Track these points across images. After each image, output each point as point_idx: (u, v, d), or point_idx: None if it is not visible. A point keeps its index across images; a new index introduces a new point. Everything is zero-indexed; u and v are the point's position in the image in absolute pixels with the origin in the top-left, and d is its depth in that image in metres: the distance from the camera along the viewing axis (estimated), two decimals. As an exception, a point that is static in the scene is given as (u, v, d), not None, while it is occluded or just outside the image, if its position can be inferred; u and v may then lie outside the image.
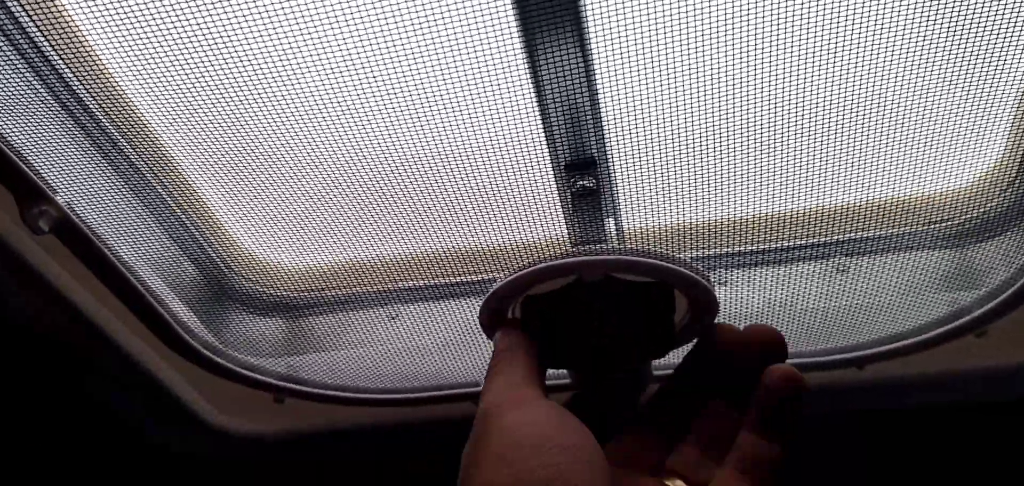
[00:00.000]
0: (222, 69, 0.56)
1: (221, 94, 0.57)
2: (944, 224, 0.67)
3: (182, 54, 0.55)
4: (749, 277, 0.75)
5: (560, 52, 0.53)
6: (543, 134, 0.61)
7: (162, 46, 0.54)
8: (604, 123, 0.60)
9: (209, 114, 0.59)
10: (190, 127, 0.62)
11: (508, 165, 0.65)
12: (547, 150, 0.62)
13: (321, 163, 0.65)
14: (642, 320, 0.58)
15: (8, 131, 0.51)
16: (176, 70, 0.57)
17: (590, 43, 0.53)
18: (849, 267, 0.71)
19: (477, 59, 0.56)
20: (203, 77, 0.56)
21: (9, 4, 0.51)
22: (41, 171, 0.52)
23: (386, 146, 0.64)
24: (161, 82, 0.59)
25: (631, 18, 0.54)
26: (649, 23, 0.54)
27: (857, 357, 0.69)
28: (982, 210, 0.66)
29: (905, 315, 0.68)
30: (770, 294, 0.75)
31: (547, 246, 0.68)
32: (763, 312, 0.76)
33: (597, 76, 0.57)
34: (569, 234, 0.65)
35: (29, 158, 0.51)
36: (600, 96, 0.58)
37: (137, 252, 0.67)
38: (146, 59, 0.57)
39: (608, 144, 0.62)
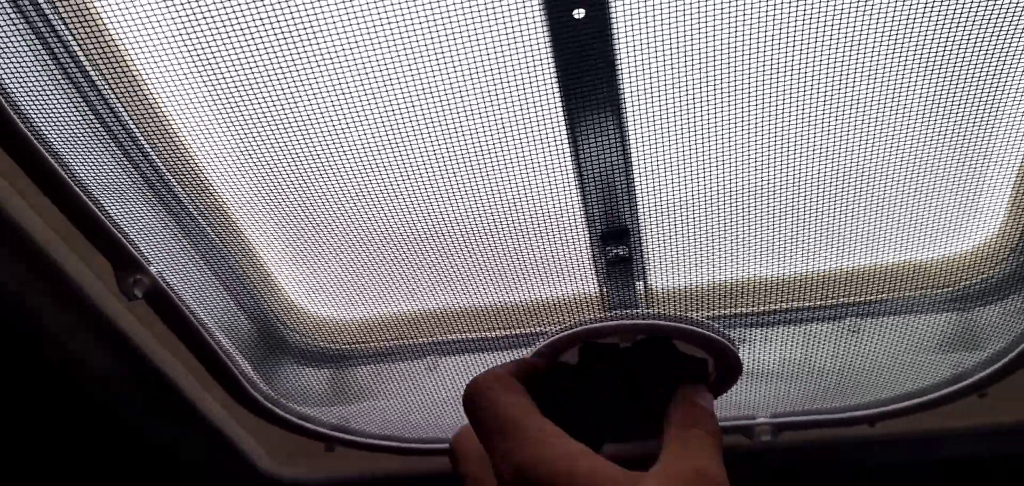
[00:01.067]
0: (294, 151, 0.63)
1: (292, 171, 0.64)
2: (949, 288, 0.72)
3: (261, 140, 0.62)
4: (768, 336, 0.80)
5: (600, 133, 0.60)
6: (582, 206, 0.67)
7: (247, 132, 0.61)
8: (638, 197, 0.66)
9: (277, 189, 0.66)
10: (259, 202, 0.69)
11: (549, 234, 0.72)
12: (585, 221, 0.68)
13: (377, 228, 0.71)
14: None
15: (107, 205, 0.58)
16: (254, 153, 0.64)
17: (627, 126, 0.59)
18: (861, 328, 0.77)
19: (524, 139, 0.62)
20: (276, 158, 0.62)
21: (106, 95, 0.58)
22: (137, 243, 0.58)
23: (438, 213, 0.70)
24: (239, 164, 0.66)
25: (666, 103, 0.61)
26: (682, 106, 0.60)
27: (868, 415, 0.74)
28: (985, 275, 0.71)
29: (913, 375, 0.74)
30: (787, 353, 0.80)
31: (582, 308, 0.74)
32: (780, 370, 0.81)
33: (632, 155, 0.63)
34: (602, 298, 0.71)
35: (127, 231, 0.58)
36: (635, 172, 0.64)
37: (208, 313, 0.74)
38: (226, 143, 0.64)
39: (641, 216, 0.68)
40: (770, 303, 0.79)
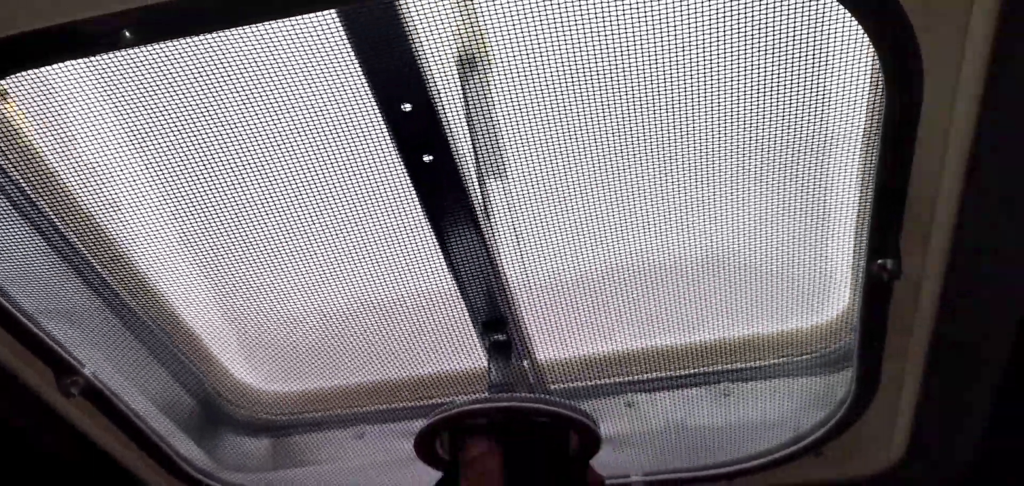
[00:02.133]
0: (234, 256, 0.75)
1: (233, 269, 0.76)
2: (808, 355, 0.82)
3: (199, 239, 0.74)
4: (652, 400, 0.91)
5: (464, 242, 0.70)
6: (463, 302, 0.78)
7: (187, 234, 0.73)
8: (510, 290, 0.77)
9: (223, 284, 0.77)
10: (202, 297, 0.80)
11: (442, 323, 0.83)
12: (469, 314, 0.79)
13: (302, 311, 0.82)
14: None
15: (43, 321, 0.69)
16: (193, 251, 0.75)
17: (488, 232, 0.70)
18: (732, 391, 0.87)
19: (407, 253, 0.74)
20: (222, 263, 0.74)
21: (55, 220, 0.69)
22: (71, 350, 0.69)
23: (354, 301, 0.81)
24: (179, 261, 0.77)
25: (527, 207, 0.72)
26: (543, 205, 0.71)
27: (727, 472, 0.85)
28: (831, 346, 0.81)
29: (764, 436, 0.84)
30: (668, 414, 0.90)
31: (478, 383, 0.84)
32: (662, 430, 0.91)
33: (498, 255, 0.74)
34: (488, 379, 0.82)
35: (61, 340, 0.69)
36: (504, 271, 0.75)
37: (150, 398, 0.85)
38: (168, 244, 0.75)
39: (518, 305, 0.79)
40: (652, 371, 0.89)
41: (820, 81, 0.58)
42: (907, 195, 0.53)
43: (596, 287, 0.79)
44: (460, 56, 0.60)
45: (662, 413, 0.89)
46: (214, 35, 0.51)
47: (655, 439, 0.91)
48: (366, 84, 0.58)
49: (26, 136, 0.64)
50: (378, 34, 0.54)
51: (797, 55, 0.55)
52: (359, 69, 0.57)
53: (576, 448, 0.77)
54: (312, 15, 0.53)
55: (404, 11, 0.53)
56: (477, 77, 0.61)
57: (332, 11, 0.53)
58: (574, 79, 0.60)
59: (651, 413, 0.90)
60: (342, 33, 0.54)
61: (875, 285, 0.61)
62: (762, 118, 0.62)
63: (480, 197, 0.70)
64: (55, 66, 0.52)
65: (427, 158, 0.63)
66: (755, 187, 0.69)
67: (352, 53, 0.56)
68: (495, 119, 0.64)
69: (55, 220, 0.69)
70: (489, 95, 0.62)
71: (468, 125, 0.65)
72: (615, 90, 0.61)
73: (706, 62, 0.57)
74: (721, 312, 0.82)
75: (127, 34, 0.45)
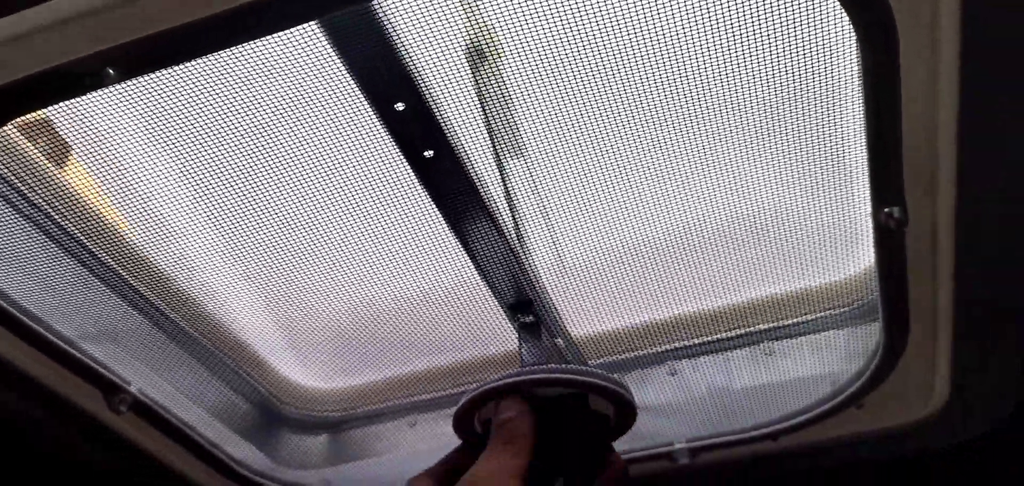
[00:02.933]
0: (285, 261, 0.78)
1: (283, 273, 0.79)
2: (836, 310, 0.81)
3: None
4: (695, 365, 0.90)
5: (480, 231, 0.71)
6: (488, 289, 0.79)
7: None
8: (533, 272, 0.78)
9: (266, 288, 0.80)
10: (254, 305, 0.83)
11: (473, 310, 0.84)
12: (495, 299, 0.80)
13: (351, 307, 0.85)
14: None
15: (86, 346, 0.73)
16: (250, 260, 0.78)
17: (500, 218, 0.71)
18: (774, 350, 0.86)
19: (430, 248, 0.76)
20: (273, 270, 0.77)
21: (90, 245, 0.72)
22: (116, 370, 0.73)
23: (390, 301, 0.83)
24: (221, 274, 0.80)
25: (542, 188, 0.73)
26: (563, 181, 0.72)
27: (771, 431, 0.84)
28: (859, 300, 0.80)
29: (805, 393, 0.83)
30: (712, 379, 0.90)
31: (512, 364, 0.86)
32: (707, 395, 0.91)
33: (521, 237, 0.75)
34: (520, 360, 0.83)
35: (105, 361, 0.72)
36: (526, 252, 0.76)
37: (203, 406, 0.88)
38: (210, 259, 0.78)
39: (541, 287, 0.79)
40: (691, 337, 0.89)
41: (813, 32, 0.57)
42: (902, 142, 0.52)
43: (627, 258, 0.79)
44: (452, 45, 0.60)
45: (706, 378, 0.89)
46: (206, 59, 0.53)
47: (699, 405, 0.91)
48: (357, 88, 0.60)
49: (62, 172, 0.68)
50: (359, 38, 0.55)
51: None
52: (349, 75, 0.59)
53: (614, 418, 0.77)
54: (294, 30, 0.54)
55: (379, 12, 0.53)
56: (479, 61, 0.62)
57: (312, 23, 0.54)
58: (586, 50, 0.60)
59: (695, 379, 0.89)
60: (326, 43, 0.56)
61: (886, 234, 0.60)
62: (773, 75, 0.62)
63: (497, 182, 0.71)
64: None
65: (428, 153, 0.64)
66: (776, 145, 0.68)
67: (338, 61, 0.57)
68: (506, 100, 0.64)
69: (94, 248, 0.73)
70: (496, 77, 0.62)
71: (482, 111, 0.66)
72: (627, 58, 0.61)
73: (717, 18, 0.56)
74: (757, 272, 0.81)
75: (110, 71, 0.47)
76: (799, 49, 0.58)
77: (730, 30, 0.59)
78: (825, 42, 0.54)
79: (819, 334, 0.82)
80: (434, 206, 0.70)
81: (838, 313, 0.80)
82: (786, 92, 0.63)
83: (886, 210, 0.57)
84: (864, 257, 0.77)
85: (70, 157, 0.69)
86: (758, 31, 0.58)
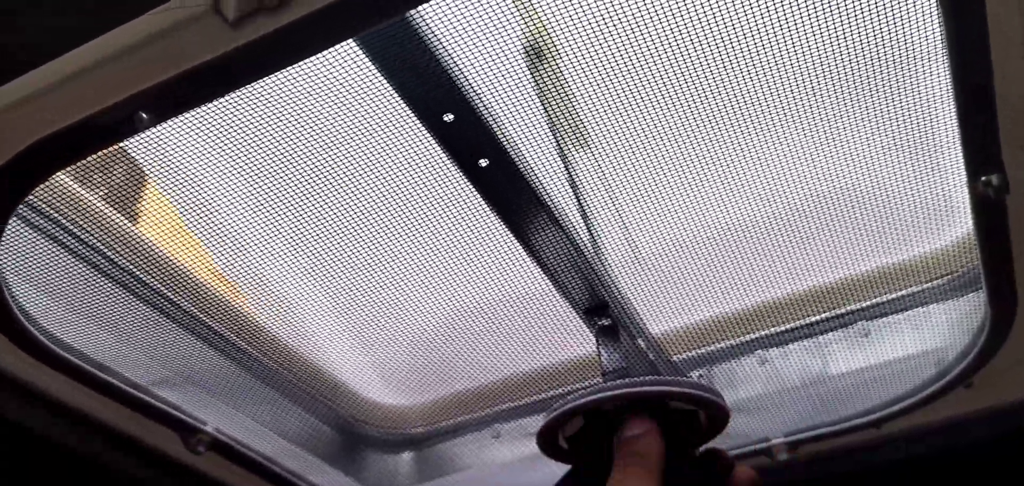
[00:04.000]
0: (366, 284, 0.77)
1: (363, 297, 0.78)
2: (934, 283, 0.76)
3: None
4: (785, 354, 0.86)
5: (543, 235, 0.68)
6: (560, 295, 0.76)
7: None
8: (606, 273, 0.74)
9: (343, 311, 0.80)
10: (333, 321, 0.83)
11: (547, 317, 0.81)
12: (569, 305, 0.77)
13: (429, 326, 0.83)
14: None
15: (160, 386, 0.73)
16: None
17: (566, 221, 0.68)
18: (871, 330, 0.81)
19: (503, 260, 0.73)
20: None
21: (171, 294, 0.72)
22: (191, 411, 0.73)
23: (464, 314, 0.82)
24: (299, 302, 0.80)
25: (613, 186, 0.69)
26: (632, 175, 0.69)
27: (875, 419, 0.79)
28: (962, 269, 0.74)
29: (908, 376, 0.78)
30: (805, 366, 0.85)
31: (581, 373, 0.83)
32: (801, 385, 0.86)
33: (590, 239, 0.72)
34: (600, 365, 0.79)
35: (180, 403, 0.72)
36: (597, 253, 0.73)
37: (280, 434, 0.88)
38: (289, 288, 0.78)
39: (616, 287, 0.76)
40: (780, 324, 0.84)
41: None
42: (995, 107, 0.47)
43: (705, 246, 0.75)
44: (504, 48, 0.58)
45: (798, 366, 0.84)
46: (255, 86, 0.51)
47: (794, 395, 0.86)
48: (404, 104, 0.57)
49: (122, 215, 0.68)
50: (398, 53, 0.53)
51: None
52: (394, 91, 0.56)
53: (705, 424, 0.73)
54: (333, 51, 0.52)
55: (417, 24, 0.51)
56: (536, 59, 0.59)
57: (350, 42, 0.52)
58: (651, 30, 0.56)
59: (786, 368, 0.85)
60: (366, 61, 0.54)
61: (984, 202, 0.54)
62: (848, 40, 0.57)
63: (563, 183, 0.68)
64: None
65: (483, 162, 0.61)
66: (858, 114, 0.64)
67: (381, 78, 0.55)
68: (567, 95, 0.61)
69: (163, 289, 0.73)
70: (555, 73, 0.59)
71: (543, 109, 0.63)
72: (696, 35, 0.57)
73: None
74: (845, 249, 0.76)
75: (144, 116, 0.46)
76: (877, 9, 0.53)
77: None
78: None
79: (917, 310, 0.77)
80: (495, 215, 0.67)
81: (935, 286, 0.75)
82: (864, 57, 0.59)
83: (983, 178, 0.52)
84: (959, 225, 0.71)
85: (132, 198, 0.69)
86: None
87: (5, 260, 0.58)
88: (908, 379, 0.78)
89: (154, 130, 0.48)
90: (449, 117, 0.57)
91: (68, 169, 0.54)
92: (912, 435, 0.77)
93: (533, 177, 0.64)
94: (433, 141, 0.61)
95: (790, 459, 0.83)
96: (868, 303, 0.77)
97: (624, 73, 0.60)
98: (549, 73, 0.60)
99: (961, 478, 0.83)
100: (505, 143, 0.60)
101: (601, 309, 0.77)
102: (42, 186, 0.52)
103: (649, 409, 0.69)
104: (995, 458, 0.80)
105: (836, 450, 0.81)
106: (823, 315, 0.81)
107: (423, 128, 0.60)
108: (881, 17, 0.55)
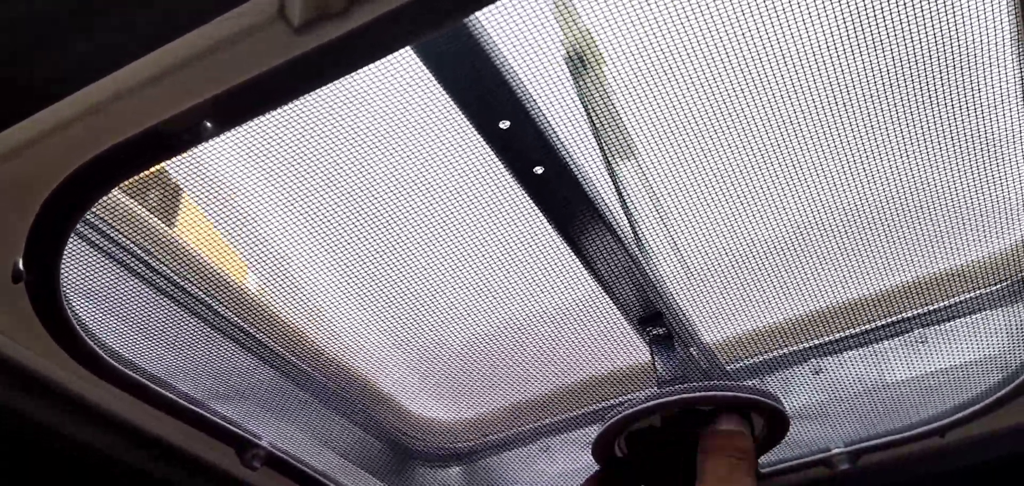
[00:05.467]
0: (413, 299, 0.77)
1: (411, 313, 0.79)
2: (995, 287, 0.74)
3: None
4: (841, 362, 0.84)
5: (598, 243, 0.68)
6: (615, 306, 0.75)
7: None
8: (659, 282, 0.73)
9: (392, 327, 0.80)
10: (384, 334, 0.83)
11: (598, 327, 0.81)
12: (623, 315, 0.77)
13: (476, 336, 0.83)
14: None
15: (215, 400, 0.72)
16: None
17: (620, 230, 0.67)
18: (928, 337, 0.80)
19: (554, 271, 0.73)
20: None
21: (213, 302, 0.72)
22: (246, 425, 0.73)
23: (513, 325, 0.81)
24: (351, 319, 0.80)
25: (660, 194, 0.69)
26: (679, 188, 0.68)
27: (938, 427, 0.77)
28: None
29: (970, 382, 0.76)
30: (862, 375, 0.84)
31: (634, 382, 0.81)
32: (858, 394, 0.84)
33: (642, 248, 0.71)
34: (655, 374, 0.78)
35: (235, 418, 0.72)
36: (650, 263, 0.72)
37: (337, 452, 0.87)
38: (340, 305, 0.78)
39: (669, 296, 0.75)
40: (834, 332, 0.82)
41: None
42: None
43: (755, 254, 0.74)
44: (552, 55, 0.57)
45: (855, 374, 0.83)
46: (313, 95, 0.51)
47: (852, 404, 0.84)
48: (459, 112, 0.57)
49: (177, 231, 0.68)
50: (454, 60, 0.53)
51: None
52: (450, 98, 0.56)
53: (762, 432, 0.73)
54: (390, 59, 0.52)
55: (472, 31, 0.51)
56: (580, 67, 0.59)
57: (407, 50, 0.52)
58: (695, 36, 0.56)
59: (842, 377, 0.83)
60: (422, 68, 0.54)
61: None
62: (903, 41, 0.56)
63: (611, 191, 0.67)
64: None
65: (538, 170, 0.61)
66: (916, 118, 0.63)
67: (437, 85, 0.55)
68: (611, 103, 0.61)
69: (218, 305, 0.73)
70: (599, 80, 0.59)
71: (588, 117, 0.62)
72: (743, 37, 0.56)
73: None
74: (900, 255, 0.74)
75: (208, 125, 0.46)
76: (942, 11, 0.52)
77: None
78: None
79: (976, 315, 0.75)
80: (549, 223, 0.67)
81: (994, 291, 0.73)
82: (926, 60, 0.58)
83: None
84: (1018, 229, 0.70)
85: (182, 214, 0.69)
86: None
87: (66, 276, 0.59)
88: (971, 386, 0.76)
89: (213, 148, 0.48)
90: (505, 124, 0.57)
91: (127, 185, 0.55)
92: (978, 442, 0.75)
93: (587, 184, 0.63)
94: (488, 149, 0.61)
95: (850, 469, 0.81)
96: (924, 309, 0.75)
97: (670, 79, 0.59)
98: (595, 80, 0.59)
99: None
100: (561, 150, 0.60)
101: (655, 318, 0.76)
102: (102, 200, 0.53)
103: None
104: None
105: (899, 459, 0.79)
106: (878, 322, 0.79)
107: (479, 136, 0.60)
108: (946, 19, 0.54)
